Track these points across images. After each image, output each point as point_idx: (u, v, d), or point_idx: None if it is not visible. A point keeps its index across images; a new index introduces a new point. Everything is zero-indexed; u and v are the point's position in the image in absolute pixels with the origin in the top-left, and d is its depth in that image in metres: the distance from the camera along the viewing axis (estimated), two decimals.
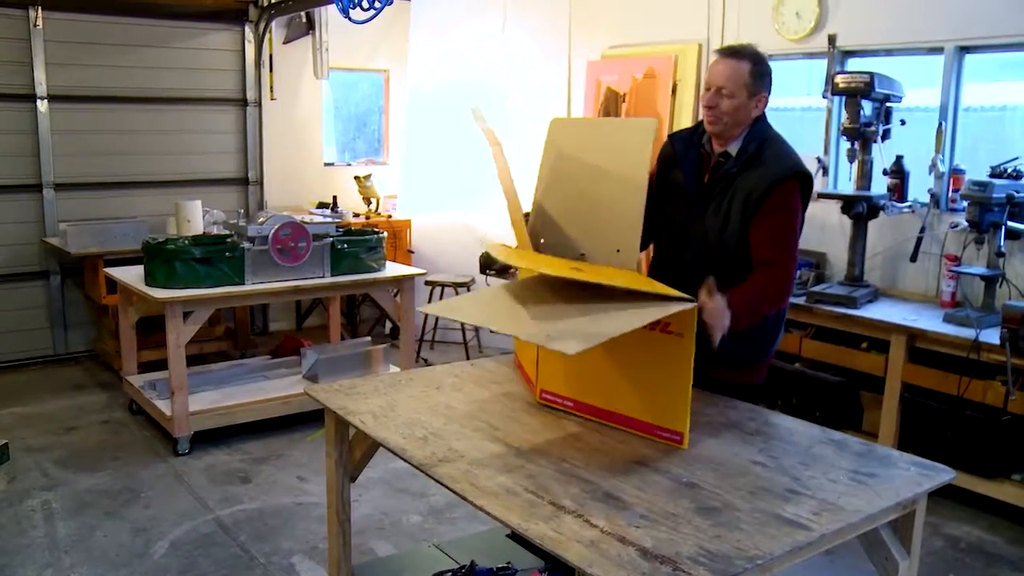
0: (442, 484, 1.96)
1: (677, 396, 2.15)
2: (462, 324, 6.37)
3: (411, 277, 5.19)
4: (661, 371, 2.18)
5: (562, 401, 2.43)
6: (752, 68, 2.58)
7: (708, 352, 2.61)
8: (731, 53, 2.62)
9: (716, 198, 2.60)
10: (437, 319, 6.60)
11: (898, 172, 4.54)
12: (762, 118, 2.66)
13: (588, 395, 2.37)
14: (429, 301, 6.33)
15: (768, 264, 2.52)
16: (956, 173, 4.40)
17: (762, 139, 2.60)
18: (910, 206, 4.50)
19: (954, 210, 4.39)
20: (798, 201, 2.58)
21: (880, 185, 4.58)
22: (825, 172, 4.94)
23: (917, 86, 4.62)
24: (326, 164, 7.22)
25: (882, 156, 4.55)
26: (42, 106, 5.88)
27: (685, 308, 2.09)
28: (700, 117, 2.74)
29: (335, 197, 6.81)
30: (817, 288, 4.52)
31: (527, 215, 2.64)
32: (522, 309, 2.28)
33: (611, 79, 6.08)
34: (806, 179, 2.60)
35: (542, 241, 2.53)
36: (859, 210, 4.45)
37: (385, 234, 5.28)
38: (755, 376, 2.80)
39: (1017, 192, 3.90)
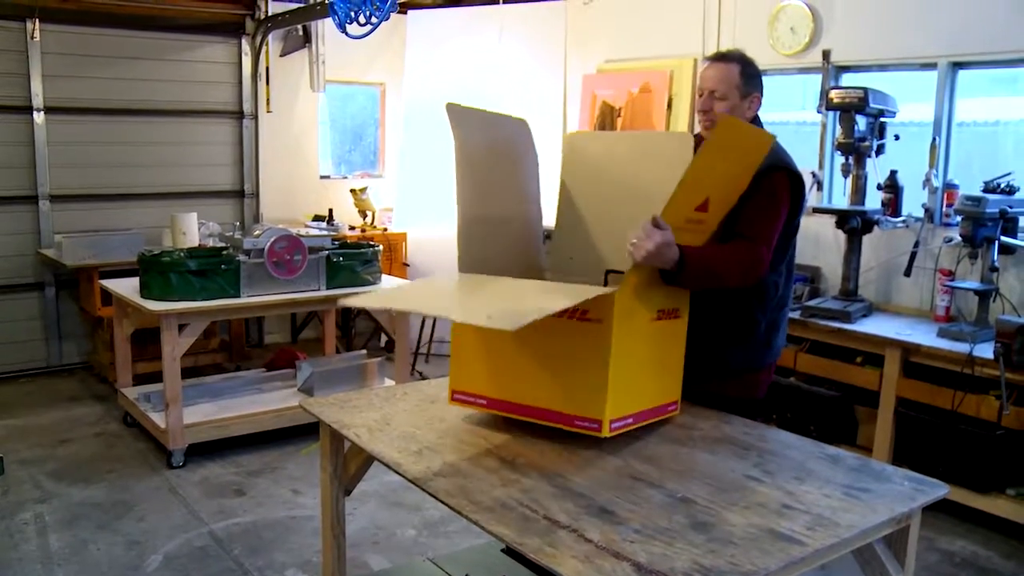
0: (437, 498, 1.96)
1: (596, 383, 2.14)
2: None
3: None
4: (579, 359, 2.17)
5: (475, 400, 2.38)
6: (742, 69, 2.62)
7: (704, 364, 2.62)
8: (720, 57, 2.67)
9: None
10: (432, 332, 6.61)
11: (892, 187, 4.56)
12: (756, 121, 2.68)
13: (503, 391, 2.32)
14: (424, 314, 6.33)
15: (740, 237, 2.46)
16: (950, 188, 4.42)
17: None
18: (904, 221, 4.52)
19: (948, 225, 4.41)
20: (784, 193, 2.54)
21: (874, 200, 4.60)
22: (820, 187, 4.97)
23: (911, 101, 4.65)
24: (322, 177, 7.23)
25: (876, 171, 4.57)
26: (38, 118, 5.89)
27: (604, 292, 2.09)
28: (696, 128, 2.76)
29: (331, 210, 6.82)
30: (812, 303, 4.54)
31: (548, 234, 2.65)
32: (455, 293, 2.28)
33: (607, 93, 6.11)
34: (795, 177, 2.57)
35: (571, 258, 2.54)
36: (853, 225, 4.47)
37: (381, 247, 5.28)
38: (754, 389, 2.76)
39: (1010, 207, 3.92)
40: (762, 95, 2.69)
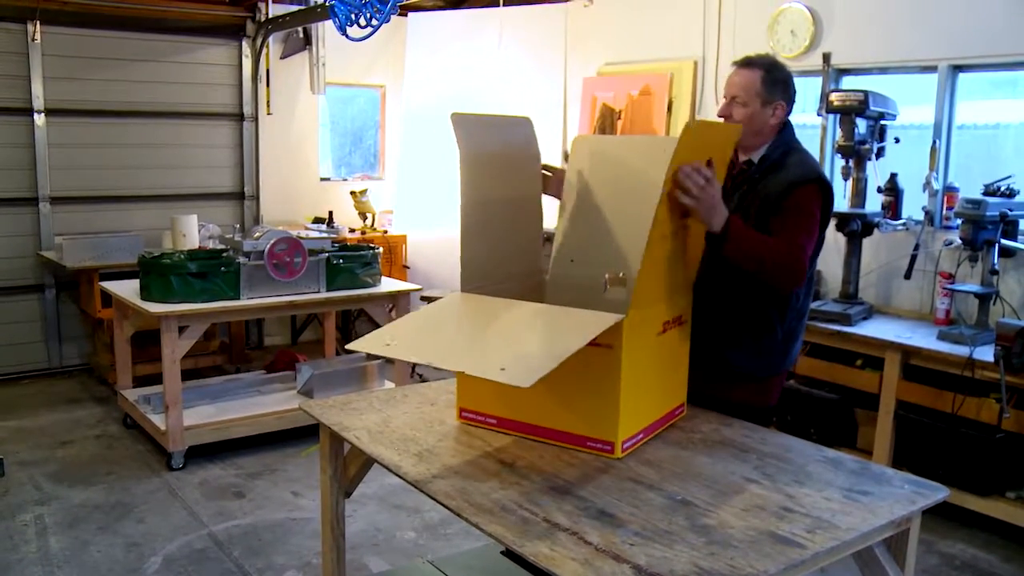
0: (436, 500, 1.96)
1: (607, 407, 2.15)
2: None
3: (406, 293, 5.20)
4: (590, 383, 2.17)
5: (484, 419, 2.39)
6: (764, 76, 2.60)
7: (716, 369, 2.61)
8: (745, 63, 2.65)
9: (737, 204, 2.58)
10: None
11: (892, 190, 4.56)
12: (787, 128, 2.67)
13: (513, 412, 2.34)
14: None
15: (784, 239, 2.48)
16: (950, 191, 4.43)
17: (786, 148, 2.61)
18: (904, 224, 4.52)
19: (948, 228, 4.42)
20: (816, 205, 2.54)
21: (874, 203, 4.60)
22: None
23: (911, 104, 4.65)
24: (322, 179, 7.23)
25: (876, 174, 4.57)
26: (39, 120, 5.89)
27: (612, 322, 2.09)
28: None
29: (331, 212, 6.82)
30: (812, 305, 4.52)
31: (547, 236, 2.65)
32: (463, 335, 2.28)
33: (607, 96, 6.11)
34: (826, 187, 2.57)
35: (571, 260, 2.54)
36: (854, 228, 4.47)
37: (380, 249, 5.28)
38: (768, 396, 2.73)
39: (1010, 210, 3.92)
40: (790, 102, 2.66)
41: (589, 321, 2.13)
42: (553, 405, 2.25)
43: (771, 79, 2.61)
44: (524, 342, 2.16)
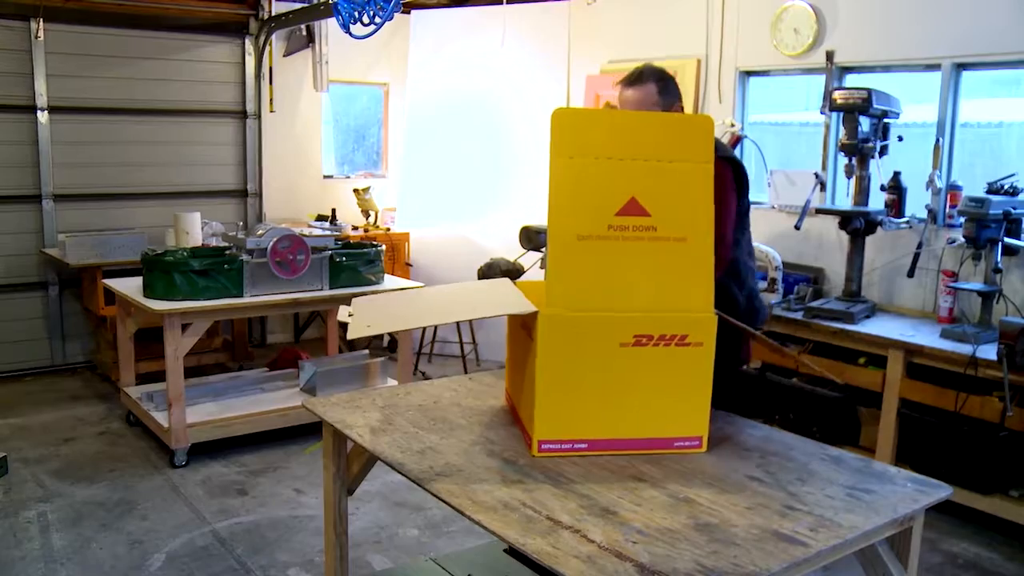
0: (439, 498, 1.96)
1: (531, 400, 2.16)
2: (460, 338, 6.37)
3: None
4: (530, 373, 2.18)
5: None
6: (657, 86, 2.74)
7: None
8: (635, 79, 2.76)
9: None
10: (435, 333, 6.61)
11: (896, 188, 4.56)
12: None
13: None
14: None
15: None
16: (953, 189, 4.42)
17: None
18: (907, 222, 4.52)
19: (951, 226, 4.41)
20: (729, 180, 2.64)
21: (878, 201, 4.60)
22: (823, 188, 4.97)
23: (914, 102, 4.64)
24: (325, 177, 7.24)
25: (880, 172, 4.57)
26: (42, 117, 5.90)
27: (519, 310, 2.13)
28: None
29: (334, 210, 6.83)
30: (815, 303, 4.53)
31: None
32: (400, 307, 2.45)
33: (610, 94, 6.10)
34: (736, 164, 2.67)
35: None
36: (857, 226, 4.46)
37: (383, 247, 5.28)
38: (742, 350, 2.89)
39: (1014, 208, 3.92)
40: (682, 99, 2.83)
41: (502, 304, 2.18)
42: (522, 390, 2.32)
43: (663, 87, 2.74)
44: (424, 309, 2.33)
